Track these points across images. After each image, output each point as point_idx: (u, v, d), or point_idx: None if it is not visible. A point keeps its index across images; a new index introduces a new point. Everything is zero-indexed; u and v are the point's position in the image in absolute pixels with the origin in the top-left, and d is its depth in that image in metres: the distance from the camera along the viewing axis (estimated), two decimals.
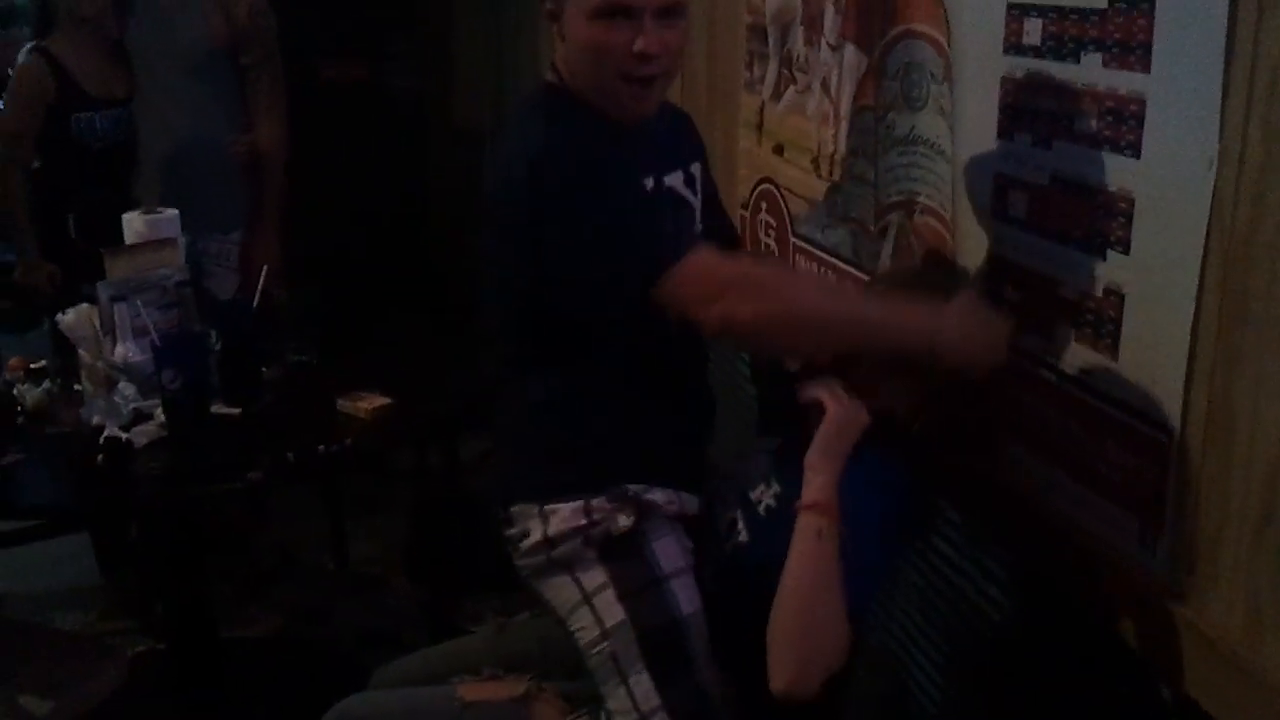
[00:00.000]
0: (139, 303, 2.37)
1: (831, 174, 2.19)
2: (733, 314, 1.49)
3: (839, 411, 1.55)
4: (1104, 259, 1.46)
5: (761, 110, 2.48)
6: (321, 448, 2.22)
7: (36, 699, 2.07)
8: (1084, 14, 1.46)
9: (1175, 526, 1.38)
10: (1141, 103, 1.37)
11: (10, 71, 3.30)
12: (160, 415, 2.25)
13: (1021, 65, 1.59)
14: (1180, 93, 1.32)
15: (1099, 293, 1.47)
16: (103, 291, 2.38)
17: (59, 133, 3.18)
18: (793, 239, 2.39)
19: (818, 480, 1.52)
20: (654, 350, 1.67)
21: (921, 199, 1.88)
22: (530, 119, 1.65)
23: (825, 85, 2.18)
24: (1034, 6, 1.55)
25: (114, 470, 2.13)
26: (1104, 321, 1.47)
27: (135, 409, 2.27)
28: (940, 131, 1.80)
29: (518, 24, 4.22)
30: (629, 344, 1.66)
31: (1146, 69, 1.36)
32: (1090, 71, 1.45)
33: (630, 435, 1.67)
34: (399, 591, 3.23)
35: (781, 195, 2.44)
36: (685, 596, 1.63)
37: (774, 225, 2.48)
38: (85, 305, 2.44)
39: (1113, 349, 1.46)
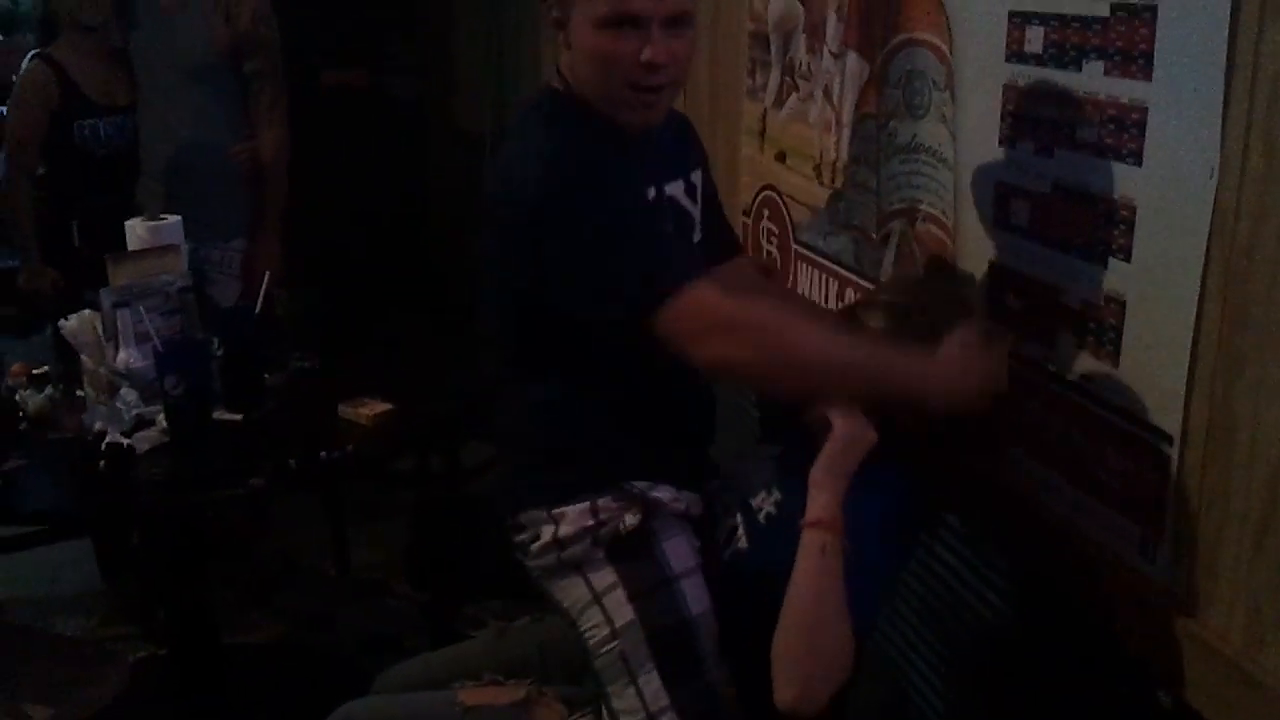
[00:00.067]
0: (141, 309, 2.37)
1: (833, 181, 2.19)
2: (729, 356, 1.48)
3: (846, 430, 1.54)
4: (1105, 267, 1.46)
5: (764, 117, 2.49)
6: (323, 454, 2.21)
7: (38, 705, 2.07)
8: (1086, 22, 1.46)
9: (1176, 533, 1.39)
10: (1143, 111, 1.38)
11: (14, 79, 3.30)
12: (162, 421, 2.25)
13: (1023, 73, 1.59)
14: (1182, 101, 1.32)
15: (1100, 300, 1.48)
16: (105, 298, 2.38)
17: (62, 139, 3.19)
18: (795, 246, 2.40)
19: (822, 498, 1.52)
20: (654, 350, 1.67)
21: (923, 207, 1.88)
22: (534, 123, 1.65)
23: (827, 93, 2.18)
24: (1036, 14, 1.56)
25: (116, 476, 2.12)
26: (1105, 329, 1.47)
27: (137, 415, 2.27)
28: (942, 139, 1.80)
29: (518, 27, 4.23)
30: (628, 345, 1.66)
31: (1148, 77, 1.37)
32: (1092, 80, 1.46)
33: (630, 435, 1.67)
34: (400, 597, 3.22)
35: (784, 202, 2.44)
36: (695, 596, 1.62)
37: (776, 232, 2.49)
38: (88, 311, 2.43)
39: (1114, 356, 1.46)
